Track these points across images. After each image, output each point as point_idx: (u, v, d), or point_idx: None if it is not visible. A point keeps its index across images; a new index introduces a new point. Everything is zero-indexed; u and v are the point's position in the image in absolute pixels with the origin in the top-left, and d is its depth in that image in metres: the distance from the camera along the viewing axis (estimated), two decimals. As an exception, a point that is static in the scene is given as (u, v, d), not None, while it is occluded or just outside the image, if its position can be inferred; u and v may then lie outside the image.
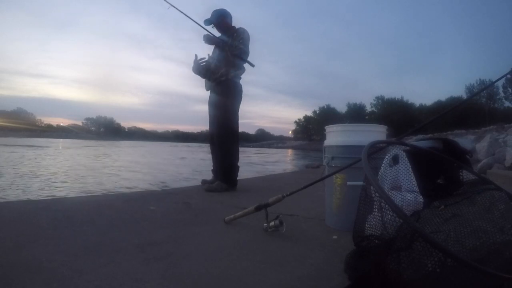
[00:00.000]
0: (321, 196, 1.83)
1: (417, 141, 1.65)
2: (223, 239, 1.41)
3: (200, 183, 3.09)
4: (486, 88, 33.87)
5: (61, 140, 48.48)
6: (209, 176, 3.14)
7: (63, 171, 6.28)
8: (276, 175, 5.27)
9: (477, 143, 6.29)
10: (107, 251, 1.21)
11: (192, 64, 2.92)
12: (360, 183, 1.06)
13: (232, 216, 1.63)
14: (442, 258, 0.67)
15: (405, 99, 62.78)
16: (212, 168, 3.05)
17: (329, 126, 1.74)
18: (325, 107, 75.23)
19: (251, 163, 10.93)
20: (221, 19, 2.92)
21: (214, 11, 2.93)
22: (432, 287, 0.69)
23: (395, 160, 1.14)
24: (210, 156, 3.09)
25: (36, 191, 3.92)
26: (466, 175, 1.19)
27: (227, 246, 1.31)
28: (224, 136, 2.86)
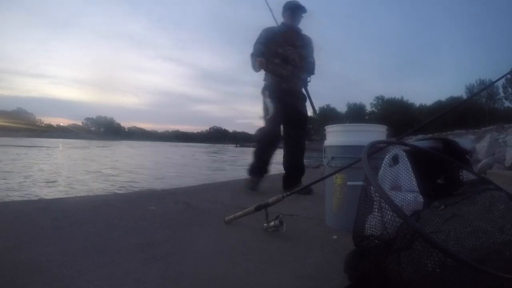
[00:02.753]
0: (321, 196, 1.83)
1: (417, 141, 1.65)
2: (223, 239, 1.41)
3: (197, 183, 3.10)
4: (486, 88, 33.87)
5: (61, 140, 48.46)
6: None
7: (65, 171, 6.28)
8: (276, 175, 5.26)
9: (477, 143, 6.28)
10: (107, 251, 1.21)
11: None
12: (360, 183, 1.06)
13: (232, 216, 1.62)
14: (442, 258, 0.67)
15: (405, 99, 62.73)
16: (284, 164, 2.93)
17: (329, 126, 1.74)
18: (325, 107, 75.12)
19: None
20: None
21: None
22: (432, 287, 0.69)
23: (395, 160, 1.14)
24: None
25: (37, 191, 3.92)
26: (466, 175, 1.18)
27: (227, 246, 1.31)
28: (304, 136, 2.91)
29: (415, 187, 1.10)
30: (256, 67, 2.65)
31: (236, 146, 57.83)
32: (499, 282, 0.64)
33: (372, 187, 0.91)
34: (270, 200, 1.52)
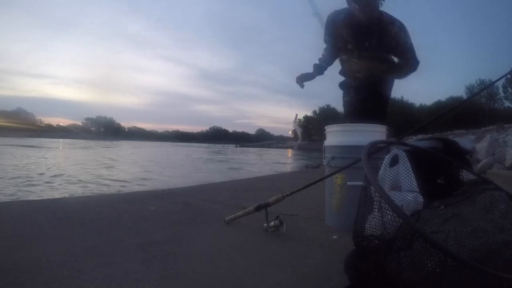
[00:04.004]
0: (321, 196, 1.83)
1: (417, 141, 1.65)
2: (223, 239, 1.41)
3: (197, 183, 3.09)
4: (486, 88, 33.74)
5: (61, 140, 48.45)
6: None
7: (65, 171, 6.28)
8: (276, 175, 5.27)
9: (477, 143, 6.27)
10: (107, 251, 1.21)
11: None
12: (360, 183, 1.06)
13: (232, 216, 1.62)
14: (442, 258, 0.67)
15: (405, 99, 62.67)
16: None
17: (329, 126, 1.74)
18: (325, 107, 74.99)
19: (252, 163, 10.94)
20: None
21: None
22: (432, 287, 0.69)
23: (395, 160, 1.14)
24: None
25: (37, 191, 3.92)
26: (466, 175, 1.18)
27: (227, 246, 1.31)
28: None
29: (415, 187, 1.10)
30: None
31: (236, 146, 57.81)
32: (499, 282, 0.64)
33: (372, 187, 0.91)
34: (270, 200, 1.52)
